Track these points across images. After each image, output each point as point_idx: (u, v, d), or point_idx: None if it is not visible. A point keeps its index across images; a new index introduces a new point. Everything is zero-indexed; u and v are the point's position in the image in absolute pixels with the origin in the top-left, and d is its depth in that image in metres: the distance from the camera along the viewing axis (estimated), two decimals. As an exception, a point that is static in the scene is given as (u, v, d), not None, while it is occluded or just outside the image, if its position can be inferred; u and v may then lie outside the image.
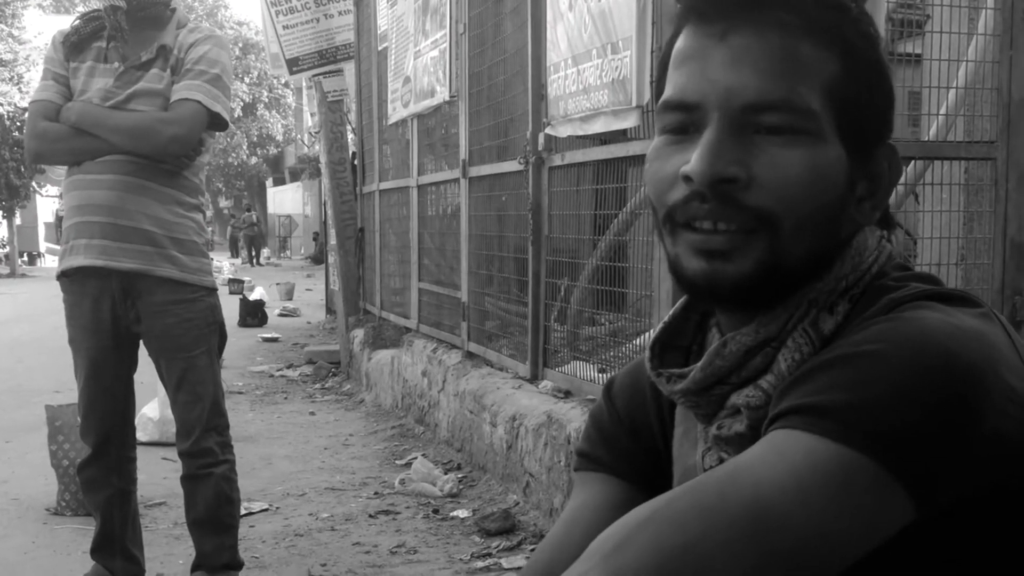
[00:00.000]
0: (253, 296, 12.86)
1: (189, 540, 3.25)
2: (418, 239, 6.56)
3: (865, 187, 0.89)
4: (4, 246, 27.04)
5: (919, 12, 3.79)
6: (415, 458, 5.01)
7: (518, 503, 4.14)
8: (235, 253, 33.54)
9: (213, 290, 3.15)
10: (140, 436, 3.45)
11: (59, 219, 24.45)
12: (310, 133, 13.91)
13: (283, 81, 30.03)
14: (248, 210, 34.55)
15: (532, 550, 3.60)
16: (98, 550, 3.15)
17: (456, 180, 5.68)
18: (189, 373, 3.04)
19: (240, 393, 7.34)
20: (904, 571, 0.79)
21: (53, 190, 28.18)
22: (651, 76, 3.32)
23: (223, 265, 21.29)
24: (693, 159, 0.84)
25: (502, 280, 5.23)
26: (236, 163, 39.15)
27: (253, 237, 32.33)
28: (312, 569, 3.59)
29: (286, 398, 7.32)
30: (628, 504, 0.98)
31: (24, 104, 21.73)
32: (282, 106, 37.76)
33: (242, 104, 34.76)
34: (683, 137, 0.87)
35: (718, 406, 0.91)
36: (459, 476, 4.70)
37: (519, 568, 3.44)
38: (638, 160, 3.61)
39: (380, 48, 7.25)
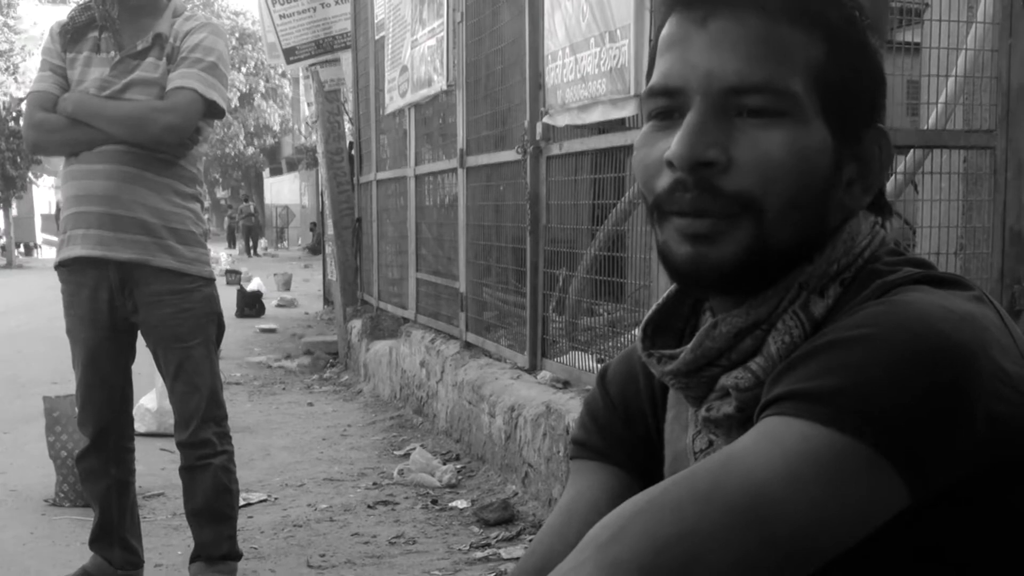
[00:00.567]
0: (251, 287, 12.85)
1: (187, 531, 3.25)
2: (416, 229, 6.55)
3: (854, 170, 0.89)
4: (1, 237, 27.01)
5: (918, 0, 3.78)
6: (413, 449, 5.01)
7: (517, 493, 4.14)
8: (232, 244, 33.53)
9: (211, 280, 3.14)
10: (138, 427, 3.44)
11: (59, 210, 24.45)
12: (307, 123, 13.90)
13: (280, 71, 29.96)
14: (245, 200, 34.52)
15: (531, 540, 3.60)
16: (96, 541, 3.15)
17: (454, 170, 5.67)
18: (187, 363, 3.03)
19: (238, 384, 7.33)
20: (899, 556, 0.80)
21: (50, 180, 28.18)
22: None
23: (220, 255, 21.30)
24: (674, 143, 0.85)
25: (500, 270, 5.22)
26: (233, 153, 39.10)
27: (250, 227, 32.32)
28: (310, 559, 3.59)
29: (284, 389, 7.31)
30: (624, 492, 0.98)
31: (20, 94, 21.71)
32: (279, 96, 37.69)
33: (239, 94, 34.72)
34: (668, 123, 0.88)
35: (708, 388, 0.91)
36: (458, 467, 4.70)
37: (518, 558, 3.44)
38: (636, 149, 3.60)
39: (377, 37, 7.23)
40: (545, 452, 3.88)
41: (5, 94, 23.02)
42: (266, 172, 43.72)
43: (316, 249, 22.53)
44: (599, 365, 3.90)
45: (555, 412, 3.84)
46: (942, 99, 3.51)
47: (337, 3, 8.11)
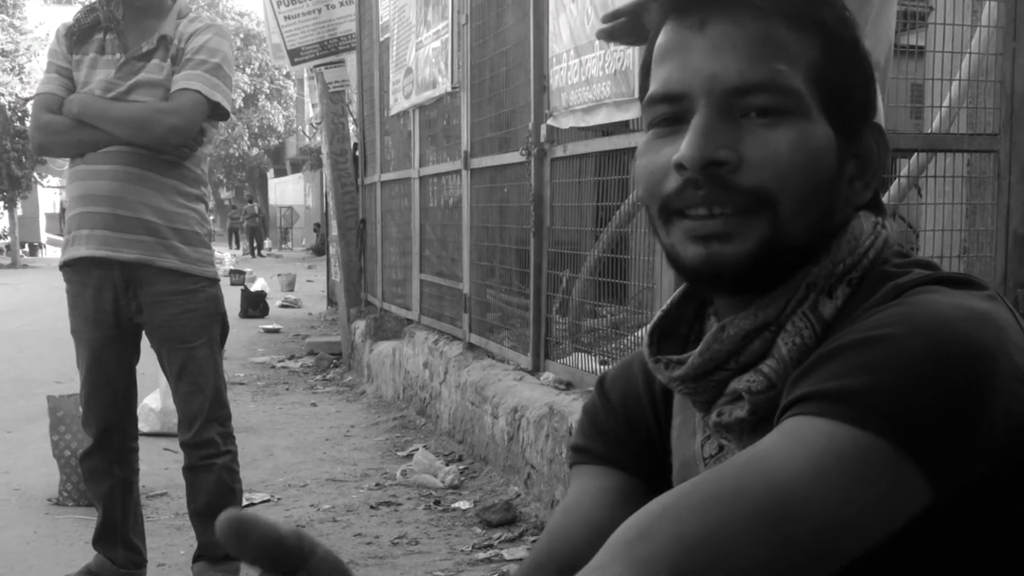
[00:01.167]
0: (255, 287, 12.87)
1: (191, 530, 3.26)
2: (420, 230, 6.56)
3: (855, 166, 0.91)
4: (5, 236, 27.05)
5: (922, 4, 3.78)
6: (416, 449, 5.01)
7: (519, 495, 4.14)
8: (234, 244, 33.55)
9: (215, 281, 3.15)
10: (142, 427, 3.45)
11: (63, 210, 24.48)
12: (311, 124, 13.93)
13: (284, 72, 30.00)
14: (250, 201, 34.57)
15: (534, 541, 3.60)
16: (100, 540, 3.16)
17: (458, 171, 5.67)
18: (190, 364, 3.04)
19: (242, 384, 7.34)
20: (918, 556, 0.80)
21: (55, 181, 28.22)
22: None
23: (225, 256, 21.32)
24: (683, 145, 0.85)
25: (504, 272, 5.22)
26: (237, 154, 39.13)
27: (255, 228, 32.34)
28: (313, 560, 3.60)
29: (287, 389, 7.32)
30: (630, 494, 0.98)
31: (25, 94, 21.75)
32: (283, 97, 37.73)
33: (243, 95, 34.73)
34: (672, 129, 0.88)
35: (717, 393, 0.91)
36: (460, 468, 4.70)
37: (520, 559, 3.44)
38: (640, 152, 3.61)
39: (382, 39, 7.24)
40: (548, 453, 3.88)
41: (10, 94, 23.04)
42: (270, 173, 43.75)
43: (320, 250, 22.55)
44: (602, 367, 3.90)
45: (558, 414, 3.84)
46: (946, 103, 3.51)
47: (342, 4, 8.12)
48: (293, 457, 5.20)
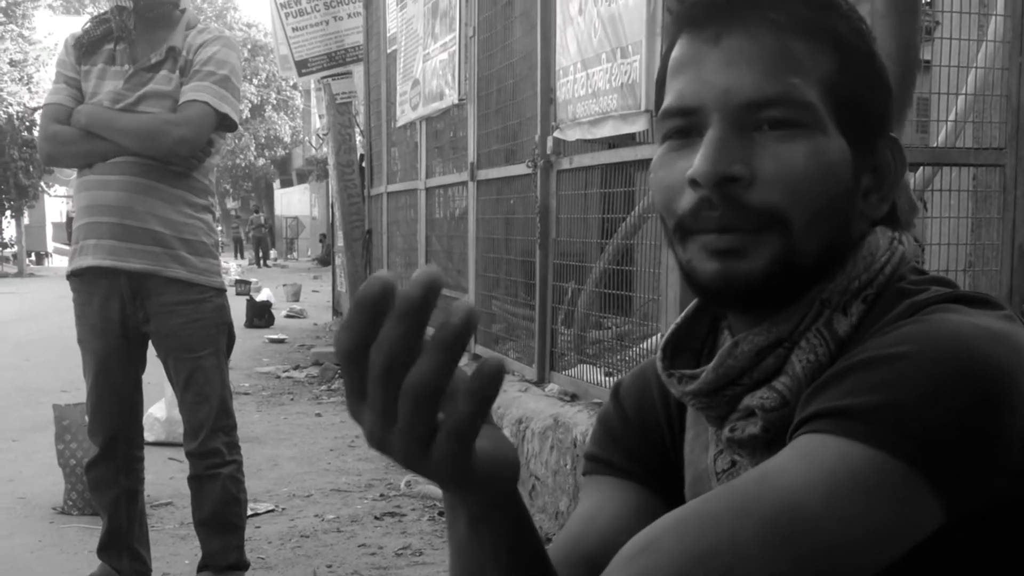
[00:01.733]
0: (260, 297, 12.88)
1: (195, 540, 3.26)
2: (425, 241, 6.57)
3: (870, 180, 0.90)
4: (12, 245, 27.12)
5: (928, 18, 3.79)
6: (421, 460, 5.01)
7: (524, 506, 4.14)
8: (239, 254, 33.60)
9: (222, 291, 3.16)
10: (147, 436, 3.46)
11: (69, 220, 24.52)
12: (318, 135, 13.95)
13: (291, 83, 30.09)
14: (256, 211, 34.62)
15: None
16: (105, 549, 3.16)
17: (464, 183, 5.69)
18: (197, 373, 3.05)
19: (246, 394, 7.35)
20: (933, 574, 0.79)
21: (61, 190, 28.30)
22: (659, 81, 3.33)
23: (230, 266, 21.35)
24: (697, 161, 0.84)
25: (509, 283, 5.23)
26: (244, 164, 39.24)
27: (260, 238, 32.39)
28: (317, 570, 3.60)
29: (292, 399, 7.33)
30: (645, 507, 0.97)
31: (34, 104, 21.84)
32: (290, 108, 37.84)
33: (250, 106, 34.86)
34: (685, 142, 0.88)
35: (730, 408, 0.90)
36: (465, 479, 4.70)
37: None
38: (646, 164, 3.60)
39: (389, 51, 7.27)
40: (552, 465, 3.88)
41: (19, 104, 23.14)
42: (276, 183, 43.85)
43: (326, 260, 22.58)
44: (607, 378, 3.90)
45: (563, 425, 3.84)
46: (952, 117, 3.52)
47: (350, 16, 8.16)
48: (298, 467, 5.20)
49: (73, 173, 3.15)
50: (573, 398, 4.18)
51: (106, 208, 2.96)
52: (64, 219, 29.40)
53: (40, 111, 3.12)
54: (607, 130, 3.75)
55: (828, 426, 0.75)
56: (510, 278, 5.19)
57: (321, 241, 28.22)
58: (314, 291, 17.66)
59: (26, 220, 26.73)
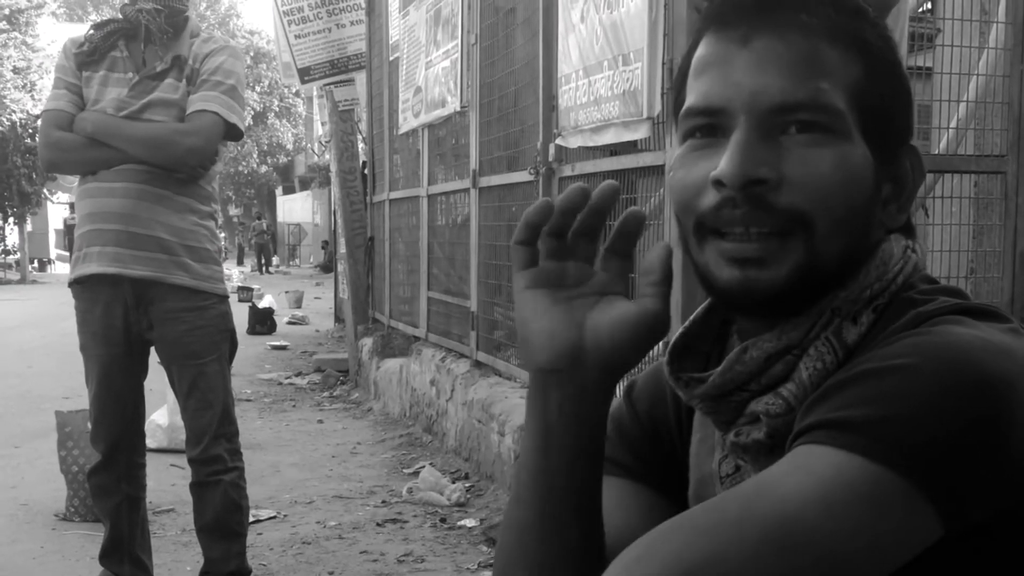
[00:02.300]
0: (262, 304, 12.89)
1: (197, 547, 3.26)
2: (428, 248, 6.57)
3: (890, 189, 0.89)
4: (15, 252, 27.15)
5: (930, 26, 3.79)
6: (423, 467, 5.01)
7: (525, 513, 4.13)
8: (241, 261, 33.63)
9: (225, 298, 3.16)
10: (149, 443, 3.46)
11: (68, 227, 24.56)
12: (320, 142, 13.97)
13: (294, 90, 30.13)
14: (258, 218, 34.65)
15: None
16: (107, 556, 3.16)
17: (466, 190, 5.69)
18: (200, 380, 3.05)
19: (249, 400, 7.35)
20: None
21: (64, 197, 28.30)
22: (662, 88, 3.33)
23: (233, 273, 21.36)
24: (723, 162, 0.83)
25: (511, 290, 5.22)
26: (246, 171, 39.28)
27: (263, 245, 32.41)
28: (319, 577, 3.60)
29: (294, 406, 7.33)
30: (653, 512, 0.97)
31: (36, 111, 21.85)
32: (293, 115, 37.90)
33: (253, 113, 34.87)
34: (709, 142, 0.87)
35: (736, 413, 0.89)
36: (467, 485, 4.70)
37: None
38: (648, 171, 3.62)
39: (391, 58, 7.28)
40: (554, 472, 3.87)
41: (22, 111, 23.17)
42: (279, 190, 43.90)
43: (328, 267, 22.58)
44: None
45: (565, 432, 3.83)
46: (953, 124, 3.52)
47: (352, 24, 8.17)
48: (299, 474, 5.20)
49: (76, 180, 3.15)
50: (575, 405, 4.17)
51: (111, 215, 2.96)
52: (64, 226, 29.40)
53: (40, 117, 3.12)
54: (609, 137, 3.75)
55: (826, 437, 0.75)
56: (512, 285, 5.19)
57: (323, 248, 28.23)
58: (316, 298, 17.67)
59: (29, 227, 26.75)
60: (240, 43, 33.18)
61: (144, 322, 3.03)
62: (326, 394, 7.82)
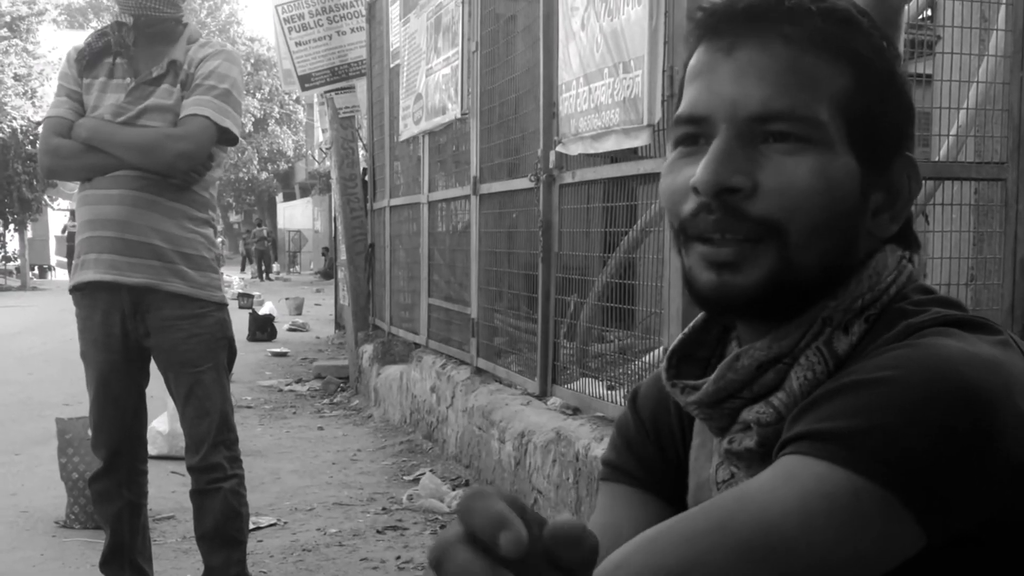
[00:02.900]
0: (263, 310, 12.88)
1: (197, 554, 3.25)
2: (428, 255, 6.58)
3: (881, 199, 0.89)
4: (15, 259, 27.15)
5: (930, 33, 3.80)
6: (423, 474, 5.01)
7: (526, 520, 4.12)
8: (244, 268, 33.65)
9: (222, 305, 3.16)
10: (150, 450, 3.45)
11: (69, 234, 24.55)
12: (321, 149, 13.99)
13: (294, 97, 30.17)
14: (258, 225, 34.67)
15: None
16: (107, 563, 3.15)
17: (467, 197, 5.70)
18: (197, 388, 3.04)
19: (249, 407, 7.35)
20: None
21: (65, 203, 28.33)
22: (662, 95, 3.34)
23: (233, 279, 21.36)
24: (699, 169, 0.85)
25: (511, 297, 5.24)
26: (247, 178, 39.33)
27: (263, 252, 32.42)
28: (320, 584, 3.59)
29: (295, 413, 7.32)
30: (655, 519, 0.98)
31: (37, 118, 21.88)
32: (293, 122, 37.95)
33: (253, 120, 34.95)
34: (694, 149, 0.89)
35: (731, 420, 0.90)
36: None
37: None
38: (649, 178, 3.63)
39: (392, 65, 7.28)
40: (555, 479, 3.88)
41: (23, 118, 23.20)
42: (279, 197, 43.93)
43: (328, 274, 22.58)
44: (609, 392, 3.90)
45: (565, 439, 3.84)
46: (953, 131, 3.52)
47: (353, 31, 8.18)
48: (300, 481, 5.20)
49: (76, 187, 3.16)
50: (575, 412, 4.18)
51: (107, 222, 2.97)
52: (64, 233, 29.40)
53: (42, 124, 3.12)
54: (609, 144, 3.76)
55: (809, 448, 0.76)
56: (512, 291, 5.19)
57: (324, 255, 28.23)
58: (316, 305, 17.67)
59: (29, 233, 26.76)
60: (241, 50, 33.25)
61: (141, 329, 3.03)
62: (326, 401, 7.82)
